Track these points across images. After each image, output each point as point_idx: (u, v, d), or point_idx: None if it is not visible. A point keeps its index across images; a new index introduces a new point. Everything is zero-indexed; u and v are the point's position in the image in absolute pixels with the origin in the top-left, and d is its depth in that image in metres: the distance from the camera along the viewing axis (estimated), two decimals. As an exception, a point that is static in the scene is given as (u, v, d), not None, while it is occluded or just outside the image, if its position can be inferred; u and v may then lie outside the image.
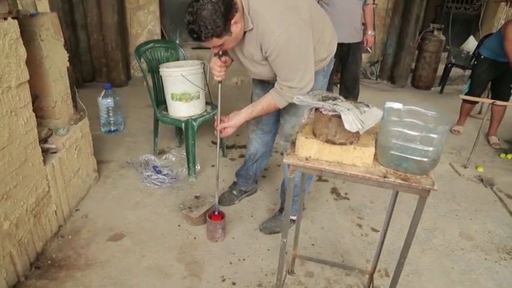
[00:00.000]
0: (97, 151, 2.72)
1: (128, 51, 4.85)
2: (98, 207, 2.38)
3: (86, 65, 4.62)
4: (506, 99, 3.47)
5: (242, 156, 3.09)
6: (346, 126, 1.04)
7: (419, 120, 1.16)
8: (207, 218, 2.11)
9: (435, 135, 1.05)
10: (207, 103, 2.76)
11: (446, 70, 5.28)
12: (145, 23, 4.95)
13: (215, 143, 3.27)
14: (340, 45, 3.43)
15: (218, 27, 1.45)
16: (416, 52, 5.39)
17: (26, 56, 1.76)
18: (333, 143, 1.12)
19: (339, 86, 3.89)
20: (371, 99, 3.90)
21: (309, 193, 2.59)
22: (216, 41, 1.52)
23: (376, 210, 2.51)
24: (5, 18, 1.63)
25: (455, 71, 5.48)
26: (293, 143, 1.22)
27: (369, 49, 3.90)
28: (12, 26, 1.66)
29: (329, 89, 3.70)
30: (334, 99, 1.14)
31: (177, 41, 5.22)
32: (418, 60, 5.33)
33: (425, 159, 1.09)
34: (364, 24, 3.68)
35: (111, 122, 3.33)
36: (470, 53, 5.32)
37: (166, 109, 2.72)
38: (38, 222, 1.94)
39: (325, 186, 2.73)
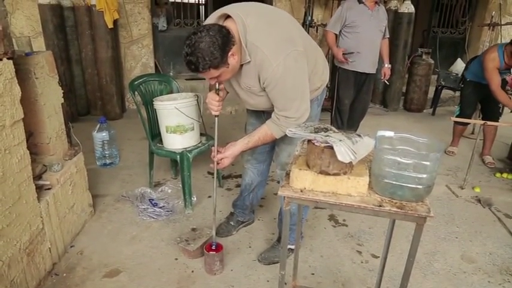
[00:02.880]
0: (92, 185, 2.70)
1: (123, 85, 4.91)
2: (94, 242, 2.34)
3: (81, 99, 4.67)
4: (496, 119, 3.52)
5: (238, 186, 3.07)
6: (339, 157, 1.05)
7: (411, 148, 1.18)
8: (205, 250, 2.08)
9: (428, 162, 1.06)
10: (201, 134, 2.77)
11: (437, 92, 5.38)
12: (139, 57, 5.04)
13: (211, 174, 3.26)
14: (360, 75, 3.52)
15: (215, 59, 1.48)
16: (407, 76, 5.50)
17: (20, 95, 1.78)
18: (327, 173, 1.13)
19: (331, 112, 3.91)
20: (365, 124, 4.00)
21: (307, 221, 2.56)
22: (213, 72, 1.55)
23: (375, 236, 2.49)
24: (0, 59, 1.66)
25: (445, 93, 5.58)
26: (287, 175, 1.22)
27: (386, 82, 3.94)
28: (7, 66, 1.69)
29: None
30: (326, 130, 1.16)
31: (171, 73, 5.31)
32: (409, 84, 5.43)
33: (420, 186, 1.09)
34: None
35: (106, 155, 3.33)
36: (459, 75, 5.44)
37: (161, 141, 2.73)
38: (31, 261, 1.90)
39: (323, 214, 2.71)
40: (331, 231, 2.53)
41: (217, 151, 1.87)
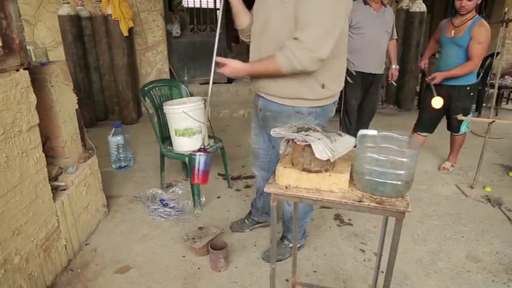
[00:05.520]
0: (107, 186, 2.84)
1: (138, 90, 5.07)
2: (107, 240, 2.46)
3: (99, 105, 4.86)
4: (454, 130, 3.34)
5: (248, 187, 3.16)
6: (317, 154, 1.11)
7: (394, 145, 1.22)
8: (210, 248, 2.16)
9: (405, 159, 1.11)
10: (209, 137, 2.86)
11: (451, 91, 5.30)
12: (154, 63, 5.20)
13: (221, 175, 3.36)
14: (367, 75, 3.55)
15: None
16: (420, 75, 5.46)
17: (36, 102, 1.91)
18: (309, 171, 1.19)
19: (340, 113, 3.92)
20: (377, 124, 4.01)
21: (312, 220, 2.62)
22: None
23: (379, 235, 2.50)
24: (17, 70, 1.80)
25: (461, 92, 5.49)
26: (273, 173, 1.29)
27: (393, 83, 3.95)
28: (23, 76, 1.82)
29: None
30: (307, 130, 1.22)
31: (186, 78, 5.46)
32: (422, 84, 5.38)
33: (399, 183, 1.14)
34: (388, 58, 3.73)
35: (121, 158, 3.47)
36: (474, 74, 5.36)
37: (171, 144, 2.84)
38: (48, 256, 2.03)
39: (329, 213, 2.75)
40: (336, 230, 2.57)
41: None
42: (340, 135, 1.20)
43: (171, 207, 2.78)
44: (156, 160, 3.58)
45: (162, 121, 2.94)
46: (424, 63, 3.46)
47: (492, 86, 4.58)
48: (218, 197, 3.00)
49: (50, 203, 2.07)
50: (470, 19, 2.92)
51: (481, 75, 5.30)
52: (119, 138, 3.40)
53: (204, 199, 2.84)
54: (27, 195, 1.86)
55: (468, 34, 2.91)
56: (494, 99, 4.04)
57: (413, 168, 1.14)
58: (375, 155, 1.12)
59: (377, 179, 1.15)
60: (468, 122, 3.15)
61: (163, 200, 2.84)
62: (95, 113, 4.80)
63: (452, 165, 3.52)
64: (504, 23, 4.23)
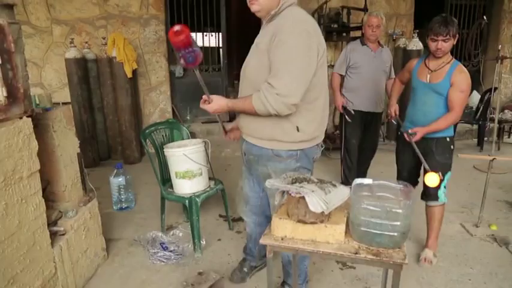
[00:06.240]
0: (108, 229, 2.81)
1: (141, 130, 5.15)
2: (105, 286, 2.41)
3: (102, 145, 4.91)
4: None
5: (248, 228, 3.12)
6: (311, 207, 1.11)
7: (389, 194, 1.22)
8: None
9: (400, 210, 1.10)
10: (210, 179, 2.87)
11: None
12: (157, 103, 5.31)
13: (222, 217, 3.33)
14: (366, 114, 3.60)
15: None
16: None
17: (37, 148, 1.94)
18: (304, 222, 1.18)
19: (341, 151, 3.92)
20: (380, 161, 3.99)
21: (314, 264, 2.56)
22: None
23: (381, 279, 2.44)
24: (21, 117, 1.84)
25: (462, 126, 5.54)
26: (269, 221, 1.28)
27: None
28: (26, 123, 1.86)
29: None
30: (302, 181, 1.23)
31: (188, 117, 5.54)
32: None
33: (395, 234, 1.13)
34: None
35: (123, 199, 3.46)
36: (474, 108, 5.43)
37: (172, 186, 2.84)
38: (43, 306, 1.99)
39: (331, 255, 2.69)
40: (339, 274, 2.51)
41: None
42: (334, 186, 1.20)
43: (171, 251, 2.74)
44: (157, 201, 3.54)
45: (163, 162, 2.95)
46: (394, 110, 2.98)
47: (492, 120, 4.60)
48: (219, 240, 2.95)
49: (48, 249, 2.05)
50: (448, 63, 2.51)
51: (481, 109, 5.36)
52: (120, 179, 3.40)
53: (204, 242, 2.80)
54: (25, 242, 1.85)
55: (448, 80, 2.50)
56: (495, 134, 4.06)
57: (409, 218, 1.13)
58: (370, 206, 1.11)
59: (373, 230, 1.13)
60: (445, 187, 2.62)
61: (164, 243, 2.80)
62: (98, 153, 4.83)
63: (435, 255, 2.67)
64: (499, 60, 4.34)
